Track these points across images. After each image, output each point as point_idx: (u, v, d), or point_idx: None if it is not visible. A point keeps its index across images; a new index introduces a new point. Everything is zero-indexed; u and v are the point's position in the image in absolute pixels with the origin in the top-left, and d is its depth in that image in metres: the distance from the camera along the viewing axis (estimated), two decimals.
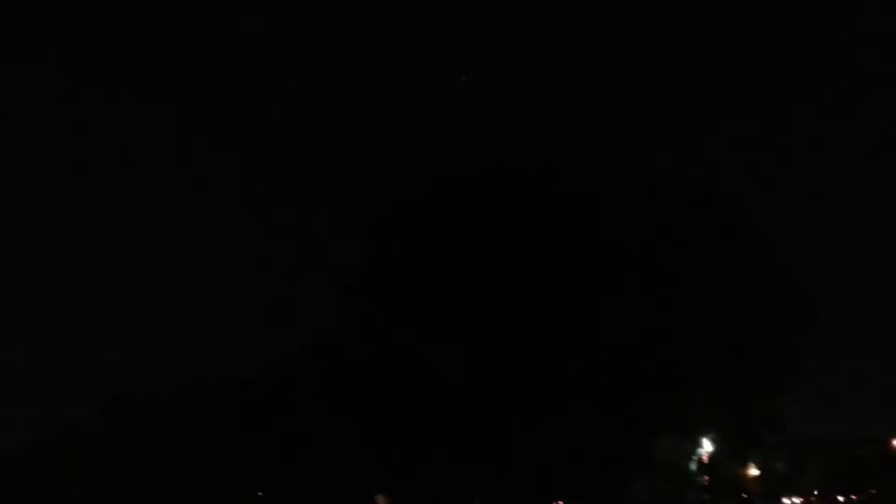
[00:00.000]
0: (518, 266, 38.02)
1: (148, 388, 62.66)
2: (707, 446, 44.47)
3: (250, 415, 50.71)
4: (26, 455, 60.82)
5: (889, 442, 77.90)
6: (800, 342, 39.61)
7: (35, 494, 57.67)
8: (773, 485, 77.20)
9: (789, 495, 74.35)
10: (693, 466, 47.67)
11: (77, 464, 57.10)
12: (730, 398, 38.43)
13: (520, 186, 39.48)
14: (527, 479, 42.98)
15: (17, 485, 58.27)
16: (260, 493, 56.55)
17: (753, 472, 78.55)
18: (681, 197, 39.02)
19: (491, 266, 38.14)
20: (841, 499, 75.01)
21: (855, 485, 75.92)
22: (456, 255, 38.68)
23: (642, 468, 45.33)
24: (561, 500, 48.08)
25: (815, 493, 76.88)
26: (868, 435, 78.58)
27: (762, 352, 38.14)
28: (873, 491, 73.84)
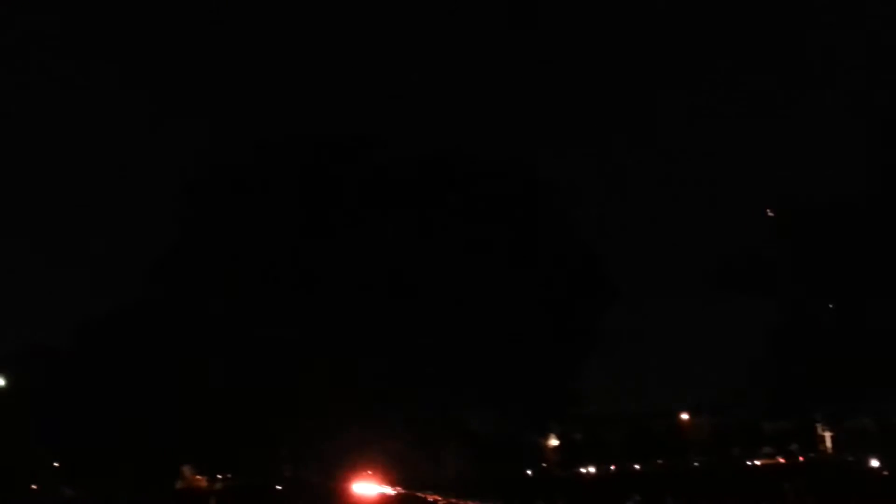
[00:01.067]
0: (331, 241, 38.32)
1: None
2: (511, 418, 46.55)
3: (51, 383, 48.69)
4: None
5: (677, 415, 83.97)
6: (600, 320, 42.07)
7: None
8: (572, 454, 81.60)
9: (586, 464, 78.54)
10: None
11: None
12: (532, 372, 40.30)
13: (339, 156, 39.69)
14: (338, 451, 43.63)
15: None
16: (56, 464, 54.47)
17: (553, 442, 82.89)
18: (497, 175, 40.41)
19: (308, 233, 38.27)
20: (637, 467, 79.94)
21: (645, 455, 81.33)
22: (270, 222, 38.53)
23: (454, 439, 46.95)
24: (371, 471, 49.04)
25: (612, 465, 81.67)
26: (658, 409, 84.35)
27: (564, 328, 40.21)
28: (660, 461, 79.45)
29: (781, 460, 68.97)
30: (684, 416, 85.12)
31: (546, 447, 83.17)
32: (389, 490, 47.72)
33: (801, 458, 66.14)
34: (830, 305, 40.67)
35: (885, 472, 45.22)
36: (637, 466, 79.97)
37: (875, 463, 46.82)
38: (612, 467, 79.99)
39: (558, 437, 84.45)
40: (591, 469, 78.76)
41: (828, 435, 70.04)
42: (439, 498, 45.12)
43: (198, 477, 56.82)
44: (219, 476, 57.22)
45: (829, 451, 70.94)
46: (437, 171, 40.90)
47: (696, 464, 75.03)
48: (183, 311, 39.58)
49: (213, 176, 40.63)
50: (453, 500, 44.27)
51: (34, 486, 56.42)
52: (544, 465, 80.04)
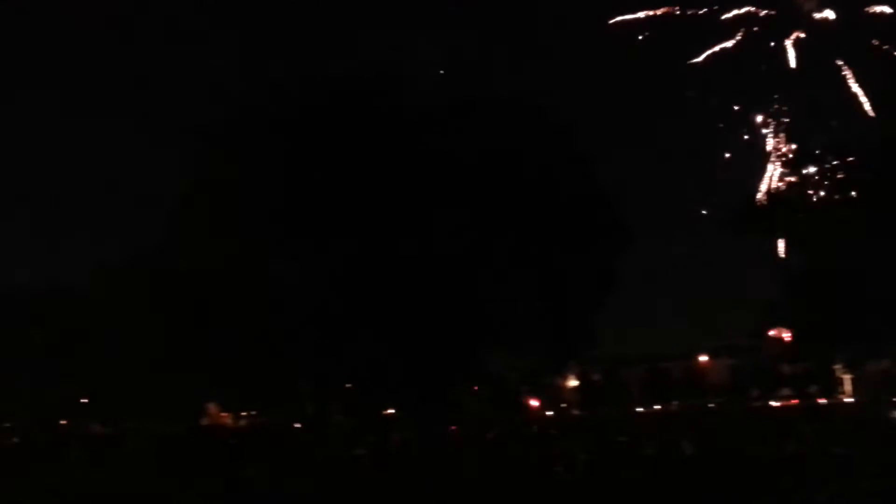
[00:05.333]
0: (351, 177, 38.32)
1: None
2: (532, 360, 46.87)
3: (71, 325, 49.41)
4: None
5: (695, 357, 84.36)
6: (617, 263, 42.05)
7: None
8: (591, 395, 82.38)
9: (605, 404, 79.39)
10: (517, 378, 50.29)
11: None
12: (550, 314, 40.43)
13: (355, 97, 39.50)
14: (360, 390, 44.19)
15: None
16: (84, 400, 55.63)
17: (573, 383, 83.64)
18: (509, 116, 40.01)
19: (324, 176, 38.30)
20: (658, 407, 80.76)
21: (663, 397, 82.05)
22: (289, 165, 38.58)
23: (471, 380, 47.36)
24: (394, 409, 49.74)
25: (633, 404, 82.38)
26: (677, 351, 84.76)
27: (581, 270, 40.23)
28: (675, 403, 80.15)
29: (796, 402, 69.37)
30: (703, 358, 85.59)
31: (565, 388, 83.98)
32: None
33: (819, 400, 66.45)
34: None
35: None
36: (657, 407, 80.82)
37: None
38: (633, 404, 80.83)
39: (577, 378, 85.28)
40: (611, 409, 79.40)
41: (847, 377, 70.14)
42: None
43: (223, 414, 58.00)
44: (243, 413, 58.39)
45: (849, 393, 71.16)
46: (456, 110, 40.60)
47: (711, 405, 75.66)
48: (200, 252, 39.88)
49: (230, 116, 40.59)
50: None
51: (63, 422, 57.86)
52: (563, 405, 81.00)
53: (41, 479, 33.55)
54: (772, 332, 59.07)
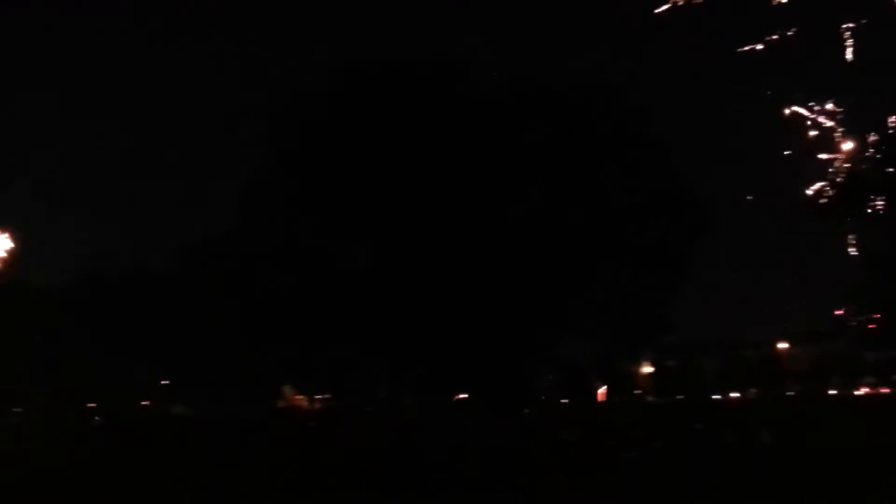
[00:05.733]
0: (422, 163, 38.31)
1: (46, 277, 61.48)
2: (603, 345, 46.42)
3: (154, 305, 50.68)
4: None
5: (774, 344, 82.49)
6: (691, 248, 41.24)
7: None
8: (666, 382, 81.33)
9: (681, 391, 78.37)
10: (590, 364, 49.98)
11: None
12: (622, 300, 39.97)
13: (426, 83, 39.42)
14: (433, 374, 44.33)
15: None
16: (165, 382, 57.06)
17: (647, 369, 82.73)
18: (584, 101, 39.57)
19: (396, 162, 38.36)
20: (736, 395, 79.43)
21: (741, 384, 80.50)
22: (361, 150, 38.73)
23: (543, 365, 47.14)
24: (465, 393, 49.84)
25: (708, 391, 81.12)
26: (755, 338, 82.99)
27: (656, 256, 39.61)
28: (753, 390, 78.54)
29: (885, 391, 67.21)
30: (782, 345, 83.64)
31: (639, 374, 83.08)
32: None
33: None
34: None
35: None
36: (734, 394, 79.37)
37: None
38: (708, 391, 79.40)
39: (652, 365, 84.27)
40: (684, 397, 78.28)
41: None
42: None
43: (298, 397, 58.95)
44: (317, 396, 59.22)
45: None
46: (530, 96, 40.29)
47: (790, 393, 73.95)
48: (274, 235, 40.41)
49: (301, 103, 40.91)
50: None
51: (146, 403, 59.52)
52: (637, 391, 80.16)
53: (122, 458, 34.44)
54: (855, 318, 57.37)
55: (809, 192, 51.56)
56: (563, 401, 52.09)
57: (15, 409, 58.00)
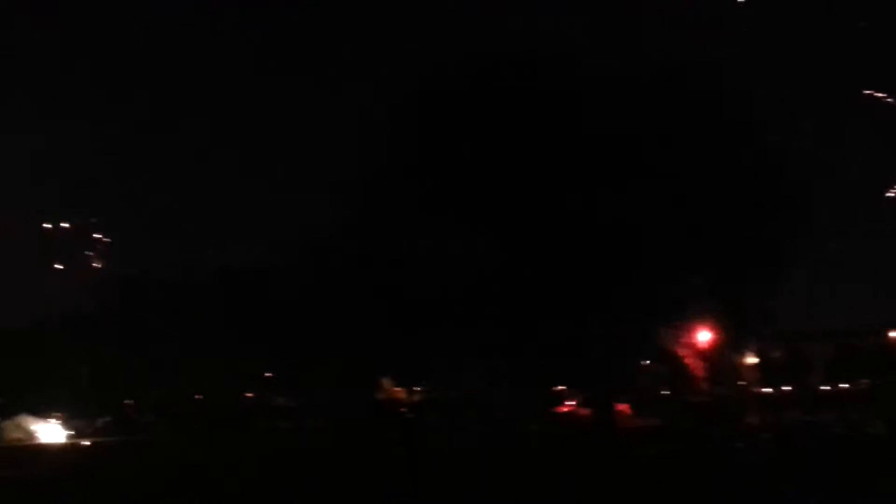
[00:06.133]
0: (541, 155, 38.22)
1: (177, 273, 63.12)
2: (705, 336, 45.55)
3: (280, 297, 51.59)
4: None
5: (885, 334, 79.16)
6: (797, 234, 40.00)
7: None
8: (772, 373, 79.04)
9: (788, 383, 76.09)
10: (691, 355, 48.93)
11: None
12: (726, 289, 39.10)
13: (535, 74, 39.31)
14: (548, 367, 44.15)
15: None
16: (268, 374, 58.25)
17: (751, 360, 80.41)
18: (683, 84, 38.72)
19: (509, 153, 38.34)
20: (845, 386, 76.72)
21: (851, 374, 77.59)
22: (476, 142, 38.87)
23: (645, 356, 46.57)
24: (571, 385, 49.52)
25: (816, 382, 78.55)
26: (865, 327, 79.75)
27: (759, 242, 38.57)
28: (864, 380, 75.52)
29: None
30: (894, 334, 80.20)
31: (743, 365, 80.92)
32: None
33: None
34: None
35: None
36: (844, 385, 76.59)
37: None
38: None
39: (757, 355, 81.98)
40: (790, 388, 75.94)
41: None
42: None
43: (396, 389, 59.49)
44: (415, 388, 59.65)
45: None
46: (625, 83, 39.69)
47: None
48: (389, 230, 40.98)
49: (418, 95, 41.27)
50: None
51: (249, 395, 61.01)
52: (742, 382, 78.07)
53: (228, 447, 35.41)
54: None
55: None
56: (663, 392, 51.28)
57: (127, 402, 60.24)
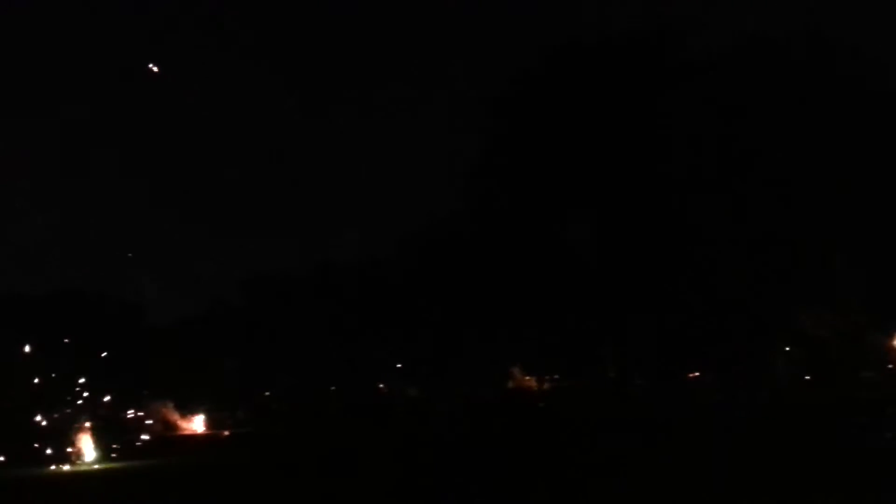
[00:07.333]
0: (639, 137, 37.28)
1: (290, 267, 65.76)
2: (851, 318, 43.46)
3: (382, 291, 52.39)
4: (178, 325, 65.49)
5: None
6: None
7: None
8: None
9: None
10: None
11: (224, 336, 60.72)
12: (873, 269, 37.11)
13: (636, 56, 38.30)
14: (666, 352, 43.19)
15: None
16: (399, 365, 58.94)
17: None
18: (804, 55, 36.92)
19: (611, 138, 37.56)
20: None
21: None
22: (576, 130, 38.24)
23: (785, 339, 44.85)
24: (698, 371, 48.14)
25: None
26: None
27: None
28: None
29: None
30: None
31: (892, 348, 76.62)
32: None
33: None
34: None
35: None
36: None
37: None
38: None
39: None
40: None
41: None
42: None
43: (527, 378, 59.11)
44: (546, 377, 59.15)
45: None
46: (743, 56, 38.18)
47: None
48: (493, 221, 40.81)
49: (515, 87, 40.99)
50: None
51: (381, 386, 61.93)
52: (891, 366, 73.95)
53: (362, 437, 35.80)
54: None
55: None
56: (805, 377, 49.01)
57: (265, 393, 62.09)
